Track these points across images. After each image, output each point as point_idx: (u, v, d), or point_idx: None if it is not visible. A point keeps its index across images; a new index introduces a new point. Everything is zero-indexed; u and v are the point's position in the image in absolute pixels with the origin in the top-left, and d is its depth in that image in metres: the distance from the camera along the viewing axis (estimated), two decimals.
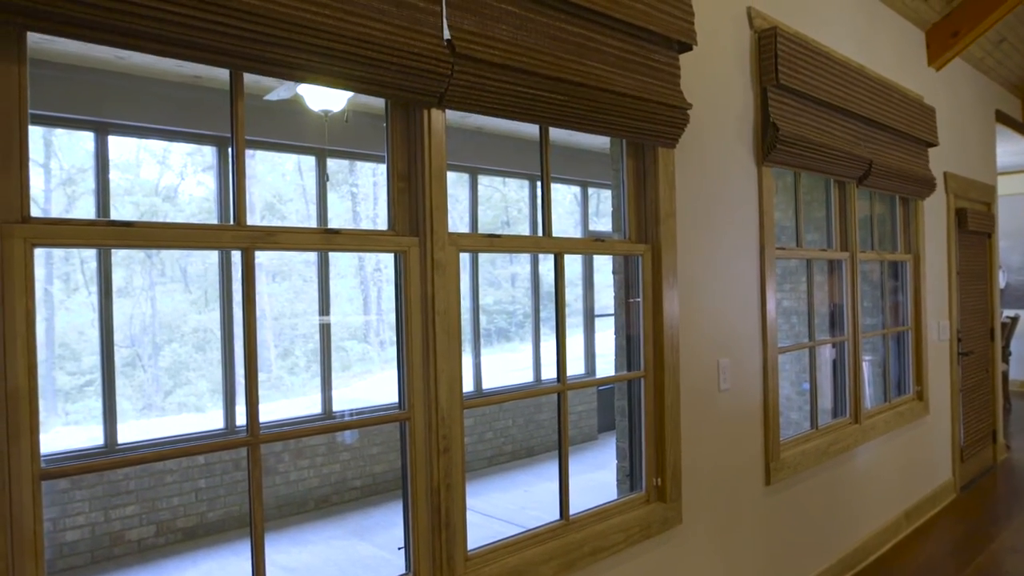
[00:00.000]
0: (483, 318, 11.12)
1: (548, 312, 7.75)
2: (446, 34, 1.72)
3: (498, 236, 2.01)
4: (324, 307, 5.69)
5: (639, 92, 2.20)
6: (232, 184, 1.56)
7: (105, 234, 1.36)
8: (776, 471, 2.98)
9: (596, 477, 5.99)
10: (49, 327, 8.04)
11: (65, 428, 7.76)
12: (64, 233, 1.31)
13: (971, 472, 5.11)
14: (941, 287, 4.67)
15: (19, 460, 1.24)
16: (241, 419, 5.27)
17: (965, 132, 5.09)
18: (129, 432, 6.49)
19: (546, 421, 7.11)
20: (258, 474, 1.54)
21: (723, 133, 2.76)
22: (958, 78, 4.95)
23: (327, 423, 5.62)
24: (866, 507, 3.75)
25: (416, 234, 1.81)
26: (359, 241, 1.73)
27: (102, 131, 4.47)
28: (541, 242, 2.17)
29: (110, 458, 4.58)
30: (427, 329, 1.81)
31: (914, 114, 3.94)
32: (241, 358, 5.04)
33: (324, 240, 1.65)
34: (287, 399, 9.07)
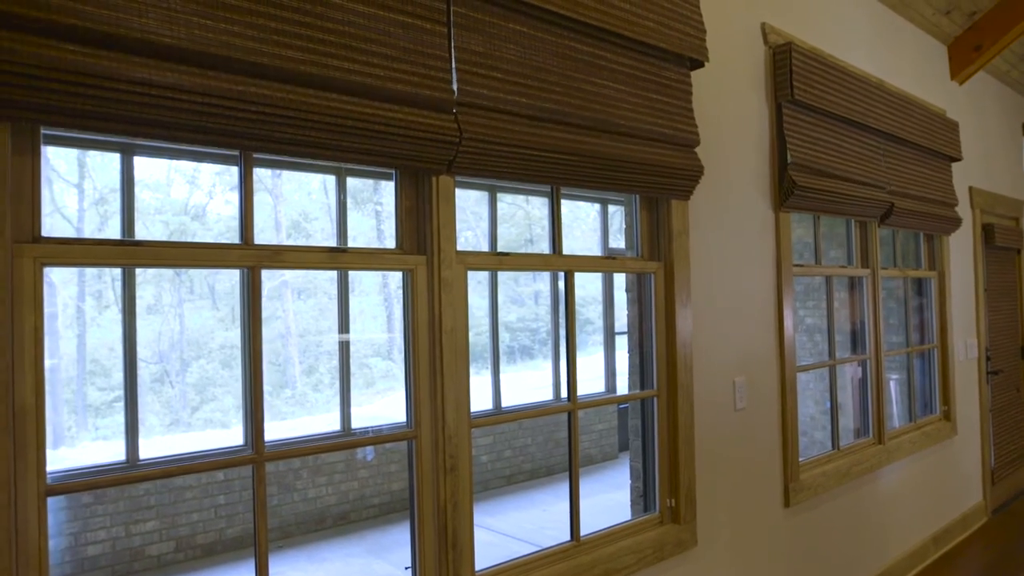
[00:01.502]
0: (507, 335, 11.10)
1: None
2: (455, 90, 1.73)
3: (507, 254, 2.01)
4: (344, 325, 5.74)
5: (649, 118, 2.20)
6: (241, 206, 1.58)
7: (114, 253, 1.38)
8: (795, 492, 2.92)
9: (614, 497, 5.93)
10: (81, 343, 8.21)
11: (93, 443, 7.89)
12: (73, 253, 1.34)
13: (1003, 495, 4.96)
14: (968, 304, 4.57)
15: (25, 477, 1.26)
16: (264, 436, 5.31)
17: (991, 146, 5.00)
18: (154, 447, 6.57)
19: (565, 440, 7.05)
20: (262, 492, 1.55)
21: (737, 151, 2.74)
22: (982, 92, 4.87)
23: (334, 441, 5.65)
24: (892, 531, 3.65)
25: (423, 252, 1.82)
26: (365, 260, 1.74)
27: (128, 152, 4.58)
28: (550, 260, 2.16)
29: (118, 474, 4.64)
30: (434, 348, 1.81)
31: (936, 128, 3.88)
32: (265, 375, 5.10)
33: (330, 259, 1.67)
34: (311, 416, 9.13)
